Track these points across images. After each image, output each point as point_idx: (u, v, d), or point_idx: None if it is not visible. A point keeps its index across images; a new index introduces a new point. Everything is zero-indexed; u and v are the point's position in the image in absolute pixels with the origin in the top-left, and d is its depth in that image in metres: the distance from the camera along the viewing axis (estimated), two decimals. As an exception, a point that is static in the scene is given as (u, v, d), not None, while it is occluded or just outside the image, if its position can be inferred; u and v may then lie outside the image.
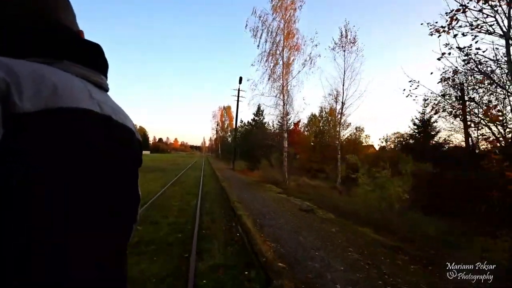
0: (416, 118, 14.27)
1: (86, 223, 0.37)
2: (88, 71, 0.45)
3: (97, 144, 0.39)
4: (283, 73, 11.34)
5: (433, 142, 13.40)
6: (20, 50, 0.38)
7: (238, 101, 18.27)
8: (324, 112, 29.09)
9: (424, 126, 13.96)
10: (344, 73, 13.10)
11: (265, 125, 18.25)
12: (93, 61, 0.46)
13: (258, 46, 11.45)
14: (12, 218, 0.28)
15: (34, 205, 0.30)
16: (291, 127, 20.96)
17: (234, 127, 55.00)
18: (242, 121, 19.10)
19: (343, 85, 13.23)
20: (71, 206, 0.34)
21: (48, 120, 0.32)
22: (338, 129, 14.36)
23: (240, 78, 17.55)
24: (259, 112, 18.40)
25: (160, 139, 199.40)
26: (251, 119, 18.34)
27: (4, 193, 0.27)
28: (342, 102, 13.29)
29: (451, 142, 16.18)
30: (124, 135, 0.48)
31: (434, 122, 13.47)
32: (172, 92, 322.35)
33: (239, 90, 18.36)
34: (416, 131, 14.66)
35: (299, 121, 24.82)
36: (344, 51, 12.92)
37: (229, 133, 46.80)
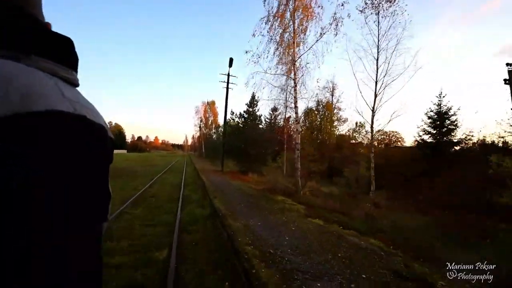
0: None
1: (74, 225, 0.36)
2: (58, 66, 0.42)
3: (72, 146, 0.37)
4: (294, 42, 8.30)
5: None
6: None
7: (227, 88, 15.01)
8: (321, 106, 26.74)
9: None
10: (378, 42, 10.19)
11: (260, 117, 15.27)
12: (63, 55, 0.43)
13: (264, 3, 8.33)
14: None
15: (19, 209, 0.29)
16: (281, 123, 18.03)
17: (217, 124, 51.55)
18: (233, 113, 16.01)
19: (377, 60, 10.26)
20: (54, 209, 0.33)
21: (18, 126, 0.30)
22: (372, 120, 11.00)
23: (231, 60, 14.29)
24: (253, 102, 15.36)
25: (140, 138, 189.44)
26: (244, 111, 15.30)
27: None
28: (375, 82, 10.30)
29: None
30: (98, 133, 0.46)
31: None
32: (153, 89, 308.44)
33: (228, 74, 15.09)
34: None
35: (289, 117, 22.16)
36: (378, 13, 10.04)
37: (214, 130, 43.13)
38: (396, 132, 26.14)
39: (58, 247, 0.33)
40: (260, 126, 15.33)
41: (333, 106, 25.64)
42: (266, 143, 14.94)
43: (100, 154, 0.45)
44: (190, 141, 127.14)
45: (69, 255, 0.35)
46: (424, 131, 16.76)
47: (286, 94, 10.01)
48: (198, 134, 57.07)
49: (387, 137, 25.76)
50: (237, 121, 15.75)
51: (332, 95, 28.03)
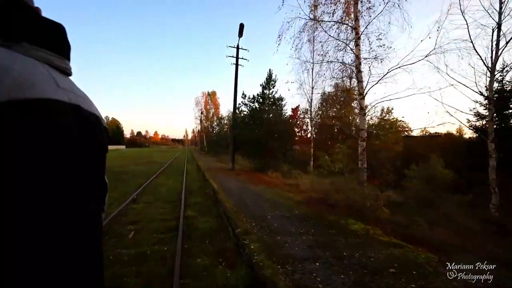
0: None
1: (59, 213, 0.35)
2: (51, 55, 0.41)
3: (68, 135, 0.37)
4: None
5: None
6: None
7: (237, 64, 11.80)
8: (340, 91, 23.44)
9: None
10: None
11: (280, 101, 12.07)
12: (56, 43, 0.42)
13: None
14: None
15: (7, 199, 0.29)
16: (287, 114, 14.74)
17: (219, 116, 48.36)
18: (245, 96, 12.72)
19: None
20: (45, 199, 0.33)
21: (13, 113, 0.29)
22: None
23: (241, 27, 11.03)
24: (270, 82, 12.22)
25: (139, 133, 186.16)
26: (258, 94, 12.09)
27: None
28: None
29: None
30: (93, 123, 0.46)
31: None
32: (152, 84, 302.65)
33: (238, 47, 11.87)
34: None
35: (298, 106, 18.91)
36: None
37: (215, 123, 39.95)
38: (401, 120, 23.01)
39: (50, 233, 0.33)
40: (282, 111, 12.16)
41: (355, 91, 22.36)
42: (288, 134, 11.88)
43: (94, 144, 0.44)
44: (190, 136, 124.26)
45: (66, 244, 0.35)
46: (478, 115, 13.59)
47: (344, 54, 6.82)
48: (198, 127, 53.90)
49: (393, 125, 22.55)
50: (250, 107, 12.56)
51: (350, 78, 24.77)
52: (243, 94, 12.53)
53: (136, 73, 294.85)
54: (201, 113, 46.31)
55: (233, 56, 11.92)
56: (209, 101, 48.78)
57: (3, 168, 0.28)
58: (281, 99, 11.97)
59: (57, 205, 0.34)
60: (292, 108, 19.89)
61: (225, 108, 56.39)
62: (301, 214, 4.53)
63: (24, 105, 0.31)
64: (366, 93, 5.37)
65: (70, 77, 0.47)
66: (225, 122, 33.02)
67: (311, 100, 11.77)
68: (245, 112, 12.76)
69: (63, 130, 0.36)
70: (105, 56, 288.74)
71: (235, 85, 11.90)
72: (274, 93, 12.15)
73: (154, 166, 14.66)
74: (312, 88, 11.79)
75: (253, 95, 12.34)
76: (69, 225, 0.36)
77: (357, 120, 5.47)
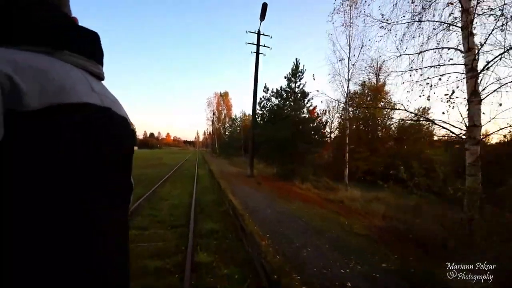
0: None
1: (95, 213, 0.38)
2: (87, 61, 0.43)
3: (100, 136, 0.40)
4: None
5: None
6: (18, 39, 0.35)
7: (257, 52, 10.02)
8: (366, 88, 21.21)
9: None
10: None
11: (306, 96, 10.15)
12: (91, 50, 0.45)
13: None
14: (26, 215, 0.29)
15: (41, 201, 0.30)
16: (305, 113, 12.70)
17: (231, 117, 46.80)
18: (267, 89, 10.87)
19: None
20: (82, 198, 0.35)
21: (54, 116, 0.31)
22: None
23: (263, 8, 9.25)
24: (296, 74, 10.41)
25: (152, 134, 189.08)
26: (283, 87, 10.19)
27: (9, 190, 0.27)
28: None
29: None
30: (122, 125, 0.49)
31: None
32: (165, 85, 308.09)
33: (259, 33, 10.10)
34: None
35: (315, 107, 16.78)
36: None
37: (227, 124, 38.45)
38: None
39: (82, 229, 0.35)
40: (310, 108, 10.20)
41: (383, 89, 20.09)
42: (320, 135, 9.93)
43: (123, 145, 0.47)
44: (201, 137, 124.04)
45: (96, 242, 0.37)
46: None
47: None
48: (210, 129, 52.67)
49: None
50: (272, 103, 10.69)
51: (377, 75, 22.54)
52: (264, 87, 10.73)
53: (149, 74, 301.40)
54: (213, 114, 45.02)
55: (253, 43, 10.17)
56: (221, 102, 47.48)
57: (47, 169, 0.30)
58: (307, 93, 10.02)
59: (87, 205, 0.36)
60: (308, 109, 17.98)
61: (238, 110, 54.94)
62: (389, 268, 2.60)
63: (63, 109, 0.33)
64: (486, 68, 3.38)
65: (103, 82, 0.49)
66: (238, 123, 31.40)
67: (347, 92, 9.79)
68: (267, 108, 10.88)
69: (95, 132, 0.38)
70: (118, 56, 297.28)
71: (255, 76, 10.11)
72: (301, 86, 10.27)
73: (162, 169, 13.11)
74: (348, 80, 9.82)
75: (277, 89, 10.50)
76: (96, 225, 0.37)
77: (465, 111, 3.44)
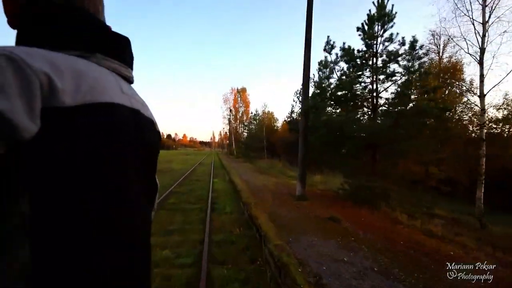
0: None
1: (127, 211, 0.40)
2: (119, 64, 0.46)
3: (129, 136, 0.41)
4: None
5: None
6: (57, 42, 0.38)
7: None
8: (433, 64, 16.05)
9: None
10: None
11: (414, 52, 5.73)
12: (122, 54, 0.47)
13: None
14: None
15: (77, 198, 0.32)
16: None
17: (249, 115, 42.73)
18: (331, 46, 6.43)
19: None
20: (108, 194, 0.36)
21: (87, 114, 0.33)
22: None
23: None
24: (381, 18, 6.15)
25: (169, 135, 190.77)
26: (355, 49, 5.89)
27: (43, 183, 0.29)
28: None
29: None
30: (149, 127, 0.51)
31: None
32: (183, 85, 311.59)
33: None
34: None
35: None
36: None
37: (246, 122, 34.35)
38: None
39: (109, 226, 0.35)
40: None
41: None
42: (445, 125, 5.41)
43: (150, 145, 0.49)
44: (217, 138, 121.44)
45: (120, 240, 0.37)
46: None
47: None
48: (226, 128, 48.99)
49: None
50: (340, 73, 6.15)
51: (441, 53, 17.33)
52: (327, 44, 6.13)
53: (167, 75, 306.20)
54: (230, 111, 41.18)
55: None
56: (239, 99, 43.61)
57: (77, 164, 0.31)
58: (413, 46, 5.40)
59: (110, 201, 0.36)
60: (425, 72, 13.36)
61: (254, 107, 50.79)
62: None
63: (96, 108, 0.35)
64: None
65: (132, 85, 0.52)
66: (258, 120, 27.21)
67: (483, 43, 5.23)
68: (331, 84, 6.30)
69: (125, 132, 0.40)
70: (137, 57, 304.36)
71: (307, 27, 5.80)
72: (394, 37, 5.76)
73: (163, 180, 9.23)
74: (484, 24, 5.22)
75: (348, 46, 6.00)
76: (122, 222, 0.38)
77: None
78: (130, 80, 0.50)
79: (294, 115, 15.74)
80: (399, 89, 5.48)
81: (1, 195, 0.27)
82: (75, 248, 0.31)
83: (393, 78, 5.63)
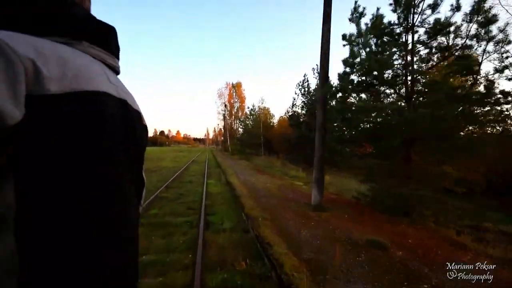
0: None
1: (104, 204, 0.36)
2: (105, 53, 0.45)
3: (116, 127, 0.40)
4: None
5: None
6: (42, 28, 0.36)
7: None
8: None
9: None
10: None
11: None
12: (108, 43, 0.46)
13: None
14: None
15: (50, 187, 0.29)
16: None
17: (245, 111, 41.21)
18: (359, 14, 5.19)
19: None
20: (91, 187, 0.34)
21: (73, 102, 0.32)
22: None
23: None
24: None
25: (162, 132, 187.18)
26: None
27: (24, 172, 0.27)
28: None
29: None
30: (136, 119, 0.48)
31: None
32: (176, 81, 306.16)
33: None
34: None
35: None
36: None
37: (243, 117, 32.96)
38: None
39: (96, 222, 0.34)
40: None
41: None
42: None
43: (135, 139, 0.46)
44: (211, 135, 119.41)
45: (106, 236, 0.35)
46: None
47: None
48: (221, 124, 47.43)
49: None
50: (370, 47, 4.93)
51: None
52: (355, 11, 4.81)
53: (160, 71, 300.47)
54: (225, 106, 39.72)
55: None
56: (234, 94, 42.17)
57: (61, 153, 0.30)
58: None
59: (96, 195, 0.34)
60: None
61: (249, 103, 49.34)
62: None
63: (82, 96, 0.33)
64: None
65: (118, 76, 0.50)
66: (255, 115, 25.90)
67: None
68: (356, 65, 4.97)
69: (113, 122, 0.39)
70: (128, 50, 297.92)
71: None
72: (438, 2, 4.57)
73: (152, 180, 7.91)
74: None
75: (382, 17, 4.65)
76: (109, 218, 0.36)
77: None
78: (116, 70, 0.48)
79: (296, 109, 14.49)
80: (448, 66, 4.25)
81: None
82: (70, 247, 0.30)
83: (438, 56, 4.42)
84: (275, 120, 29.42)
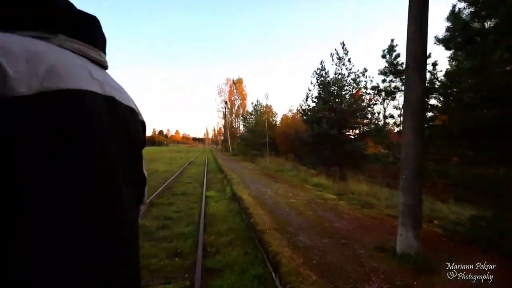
0: None
1: (96, 208, 0.34)
2: (86, 46, 0.40)
3: (102, 124, 0.36)
4: None
5: None
6: (10, 22, 0.33)
7: None
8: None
9: None
10: None
11: None
12: (90, 35, 0.41)
13: None
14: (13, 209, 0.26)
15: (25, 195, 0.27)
16: None
17: (246, 109, 38.81)
18: None
19: None
20: (78, 194, 0.31)
21: (45, 103, 0.29)
22: None
23: None
24: None
25: (161, 131, 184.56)
26: None
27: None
28: None
29: None
30: (128, 116, 0.45)
31: None
32: (175, 80, 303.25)
33: None
34: None
35: None
36: None
37: (245, 115, 30.63)
38: None
39: (93, 224, 0.32)
40: None
41: None
42: None
43: (128, 137, 0.43)
44: (211, 134, 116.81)
45: (105, 235, 0.34)
46: None
47: None
48: (220, 123, 45.14)
49: None
50: None
51: None
52: None
53: (159, 69, 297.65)
54: (225, 103, 37.46)
55: None
56: (234, 91, 39.88)
57: (27, 162, 0.27)
58: None
59: (82, 199, 0.32)
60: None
61: (250, 101, 46.93)
62: None
63: (56, 95, 0.30)
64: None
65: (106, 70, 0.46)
66: (260, 112, 23.66)
67: None
68: None
69: (97, 122, 0.35)
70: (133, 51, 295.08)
71: None
72: None
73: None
74: None
75: None
76: (106, 218, 0.35)
77: None
78: (102, 65, 0.44)
79: (310, 102, 12.25)
80: None
81: None
82: (70, 247, 0.29)
83: None
84: (278, 118, 27.30)
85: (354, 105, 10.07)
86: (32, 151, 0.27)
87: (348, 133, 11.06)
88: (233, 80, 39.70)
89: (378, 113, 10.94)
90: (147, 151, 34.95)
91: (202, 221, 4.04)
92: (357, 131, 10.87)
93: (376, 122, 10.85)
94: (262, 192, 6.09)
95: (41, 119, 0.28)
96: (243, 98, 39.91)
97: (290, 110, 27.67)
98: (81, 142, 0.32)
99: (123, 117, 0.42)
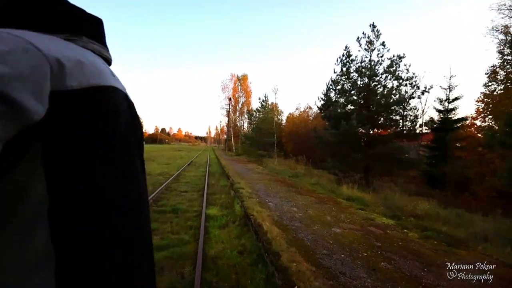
0: None
1: (127, 199, 0.36)
2: (101, 47, 0.43)
3: (127, 118, 0.39)
4: None
5: None
6: (42, 25, 0.35)
7: None
8: None
9: None
10: None
11: None
12: (102, 36, 0.45)
13: None
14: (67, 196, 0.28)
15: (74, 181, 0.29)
16: None
17: (250, 107, 36.67)
18: None
19: None
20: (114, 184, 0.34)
21: (92, 97, 0.32)
22: None
23: None
24: None
25: (163, 130, 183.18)
26: None
27: (54, 168, 0.28)
28: None
29: None
30: (135, 109, 0.47)
31: None
32: (178, 77, 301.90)
33: None
34: None
35: None
36: None
37: (251, 112, 28.73)
38: None
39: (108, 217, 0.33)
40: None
41: None
42: None
43: (138, 128, 0.45)
44: (213, 132, 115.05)
45: (135, 226, 0.36)
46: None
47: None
48: (224, 120, 43.30)
49: None
50: None
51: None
52: None
53: (163, 67, 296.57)
54: (229, 100, 35.65)
55: None
56: (239, 87, 38.08)
57: (83, 149, 0.30)
58: None
59: (122, 184, 0.35)
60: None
61: (257, 97, 44.95)
62: None
63: (101, 91, 0.33)
64: None
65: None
66: (267, 110, 21.80)
67: None
68: None
69: (126, 116, 0.38)
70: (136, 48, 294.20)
71: None
72: None
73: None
74: None
75: None
76: (136, 209, 0.37)
77: None
78: (110, 62, 0.46)
79: (332, 95, 10.33)
80: None
81: (19, 175, 0.26)
82: (105, 236, 0.31)
83: None
84: (283, 117, 25.43)
85: (392, 98, 8.16)
86: (83, 139, 0.29)
87: (380, 132, 9.21)
88: (238, 76, 37.91)
89: (416, 109, 9.05)
90: (145, 149, 33.61)
91: (198, 280, 2.23)
92: (389, 130, 9.01)
93: (414, 119, 8.96)
94: (286, 213, 4.26)
95: (91, 109, 0.31)
96: (248, 95, 38.11)
97: (297, 108, 25.77)
98: (119, 133, 0.35)
99: (134, 111, 0.44)
